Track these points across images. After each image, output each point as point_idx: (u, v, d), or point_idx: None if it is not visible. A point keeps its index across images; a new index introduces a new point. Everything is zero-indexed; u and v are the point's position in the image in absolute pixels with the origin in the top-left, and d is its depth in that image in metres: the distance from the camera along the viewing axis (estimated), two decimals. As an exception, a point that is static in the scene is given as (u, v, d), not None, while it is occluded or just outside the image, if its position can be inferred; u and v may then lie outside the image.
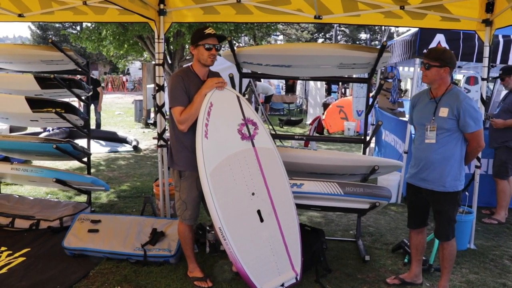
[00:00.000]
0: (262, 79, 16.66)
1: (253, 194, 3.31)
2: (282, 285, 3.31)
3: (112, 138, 10.02)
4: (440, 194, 3.28)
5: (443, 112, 3.21)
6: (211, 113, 3.24)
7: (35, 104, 4.58)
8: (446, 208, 3.31)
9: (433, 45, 5.20)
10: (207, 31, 3.30)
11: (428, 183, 3.32)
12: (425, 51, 3.53)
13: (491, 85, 9.68)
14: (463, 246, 4.42)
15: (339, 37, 30.31)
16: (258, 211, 3.30)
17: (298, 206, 3.72)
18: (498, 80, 9.32)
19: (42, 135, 7.83)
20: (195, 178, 3.36)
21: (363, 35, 38.57)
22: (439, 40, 5.22)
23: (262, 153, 3.42)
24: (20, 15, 4.94)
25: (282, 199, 3.45)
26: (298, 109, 18.84)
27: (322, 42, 36.28)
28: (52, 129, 8.68)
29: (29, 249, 4.15)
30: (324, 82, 16.56)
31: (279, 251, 3.34)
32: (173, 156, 3.43)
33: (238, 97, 3.44)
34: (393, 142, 7.31)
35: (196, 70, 3.39)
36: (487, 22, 4.17)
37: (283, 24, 28.20)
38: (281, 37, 33.31)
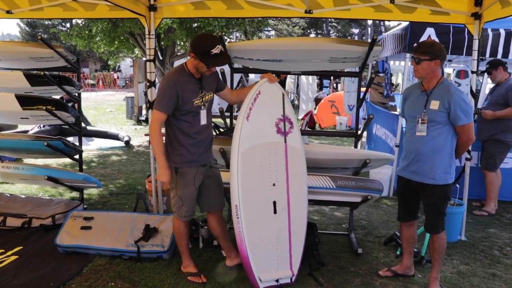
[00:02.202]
0: (254, 75, 16.65)
1: (273, 185, 3.42)
2: (277, 280, 3.37)
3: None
4: (430, 187, 3.31)
5: (434, 105, 3.23)
6: (257, 100, 3.44)
7: (25, 101, 4.53)
8: (436, 201, 3.33)
9: (423, 38, 5.22)
10: (214, 51, 3.17)
11: (419, 175, 3.34)
12: (415, 45, 3.55)
13: (483, 79, 9.74)
14: (454, 237, 4.46)
15: (330, 32, 30.31)
16: (274, 202, 3.40)
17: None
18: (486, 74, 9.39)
19: (32, 131, 7.80)
20: (192, 175, 3.38)
21: (354, 30, 38.64)
22: (429, 33, 5.24)
23: (292, 151, 3.53)
24: (8, 12, 4.87)
25: (298, 201, 3.53)
26: (290, 104, 18.80)
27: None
28: (43, 126, 8.64)
29: (21, 247, 4.13)
30: (315, 77, 16.57)
31: (283, 247, 3.42)
32: (169, 153, 3.41)
33: (283, 95, 3.58)
34: (384, 136, 7.35)
35: (191, 69, 3.34)
36: (476, 16, 4.19)
37: (274, 19, 28.17)
38: (272, 32, 33.26)
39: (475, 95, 4.42)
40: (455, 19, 4.38)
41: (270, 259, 3.36)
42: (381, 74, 8.47)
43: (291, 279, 3.44)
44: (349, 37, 32.78)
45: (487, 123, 5.34)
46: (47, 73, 4.64)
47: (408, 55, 6.05)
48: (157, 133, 3.29)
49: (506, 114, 5.18)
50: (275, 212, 3.40)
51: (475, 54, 4.30)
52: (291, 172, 3.50)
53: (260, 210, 3.36)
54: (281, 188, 3.45)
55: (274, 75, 3.58)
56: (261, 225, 3.35)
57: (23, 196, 5.28)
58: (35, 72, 5.02)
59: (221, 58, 3.27)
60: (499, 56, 5.45)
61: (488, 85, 9.48)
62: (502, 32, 5.33)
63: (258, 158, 3.40)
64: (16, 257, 3.93)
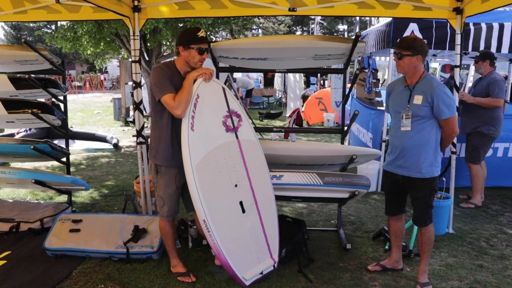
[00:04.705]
0: (241, 74, 16.66)
1: (236, 186, 3.34)
2: (261, 273, 3.40)
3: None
4: (416, 180, 3.35)
5: (418, 99, 3.27)
6: (198, 105, 3.20)
7: (11, 105, 4.50)
8: (423, 194, 3.37)
9: (406, 34, 5.27)
10: (200, 34, 3.22)
11: (405, 169, 3.38)
12: (398, 40, 3.59)
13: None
14: (442, 230, 4.52)
15: (316, 28, 30.38)
16: (241, 203, 3.35)
17: (279, 198, 3.77)
18: (473, 68, 9.49)
19: (19, 135, 7.74)
20: (173, 174, 3.37)
21: (340, 27, 38.81)
22: (413, 29, 5.28)
23: (245, 145, 3.46)
24: (-9, 15, 4.84)
25: (263, 190, 3.50)
26: (277, 102, 18.89)
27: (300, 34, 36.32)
28: (30, 129, 8.58)
29: (9, 252, 4.11)
30: (302, 75, 16.62)
31: (259, 241, 3.42)
32: (152, 150, 3.40)
33: (223, 89, 3.42)
34: (356, 131, 7.39)
35: (179, 67, 3.34)
36: (458, 11, 4.25)
37: (260, 17, 28.13)
38: (259, 31, 33.24)
39: (458, 88, 4.48)
40: (437, 14, 4.43)
41: (250, 257, 3.35)
42: (366, 70, 8.51)
43: (273, 266, 3.48)
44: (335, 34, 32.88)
45: (470, 116, 5.41)
46: (32, 76, 4.61)
47: (392, 50, 6.09)
48: (178, 99, 3.13)
49: (485, 103, 5.25)
50: (243, 211, 3.34)
51: (457, 48, 4.36)
52: (250, 165, 3.44)
53: (229, 216, 3.28)
54: (244, 186, 3.39)
55: (210, 69, 3.37)
56: (233, 230, 3.28)
57: (10, 200, 5.24)
58: (19, 75, 4.98)
59: (208, 39, 3.31)
60: (481, 49, 5.51)
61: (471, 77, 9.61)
62: (484, 26, 5.40)
63: (213, 165, 3.24)
64: (4, 262, 3.90)
